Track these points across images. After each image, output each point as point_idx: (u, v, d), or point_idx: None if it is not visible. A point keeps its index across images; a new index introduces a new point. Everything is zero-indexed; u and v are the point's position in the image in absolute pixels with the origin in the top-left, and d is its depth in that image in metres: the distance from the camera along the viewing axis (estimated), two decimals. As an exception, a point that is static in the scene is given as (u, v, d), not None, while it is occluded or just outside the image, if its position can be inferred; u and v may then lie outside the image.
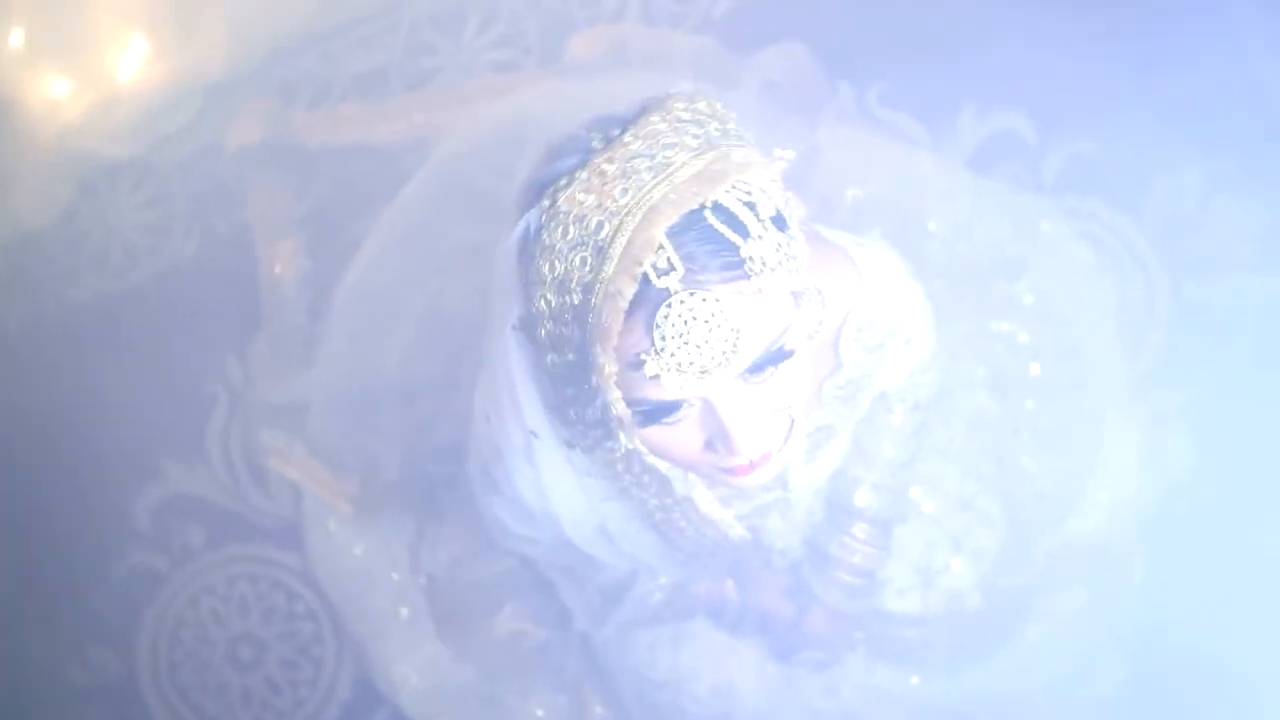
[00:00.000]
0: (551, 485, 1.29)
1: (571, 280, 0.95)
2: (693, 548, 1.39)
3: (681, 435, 1.03)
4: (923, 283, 1.46)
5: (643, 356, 0.94)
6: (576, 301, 0.95)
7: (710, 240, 0.93)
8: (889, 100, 2.08)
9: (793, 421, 1.07)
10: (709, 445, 1.04)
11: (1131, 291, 1.98)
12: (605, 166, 0.95)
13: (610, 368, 0.96)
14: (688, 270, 0.92)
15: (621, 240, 0.92)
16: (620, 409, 0.98)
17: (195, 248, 2.23)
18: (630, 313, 0.93)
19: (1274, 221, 1.99)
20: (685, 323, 0.92)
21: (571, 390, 1.05)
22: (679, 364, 0.94)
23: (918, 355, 1.44)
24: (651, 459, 1.12)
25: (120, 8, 2.12)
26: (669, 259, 0.91)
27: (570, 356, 1.01)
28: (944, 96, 2.07)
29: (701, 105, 1.00)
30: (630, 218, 0.93)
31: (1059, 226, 1.90)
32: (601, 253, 0.93)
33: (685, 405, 1.00)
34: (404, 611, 2.00)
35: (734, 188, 0.94)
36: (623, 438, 1.03)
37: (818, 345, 1.27)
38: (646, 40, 2.13)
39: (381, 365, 1.95)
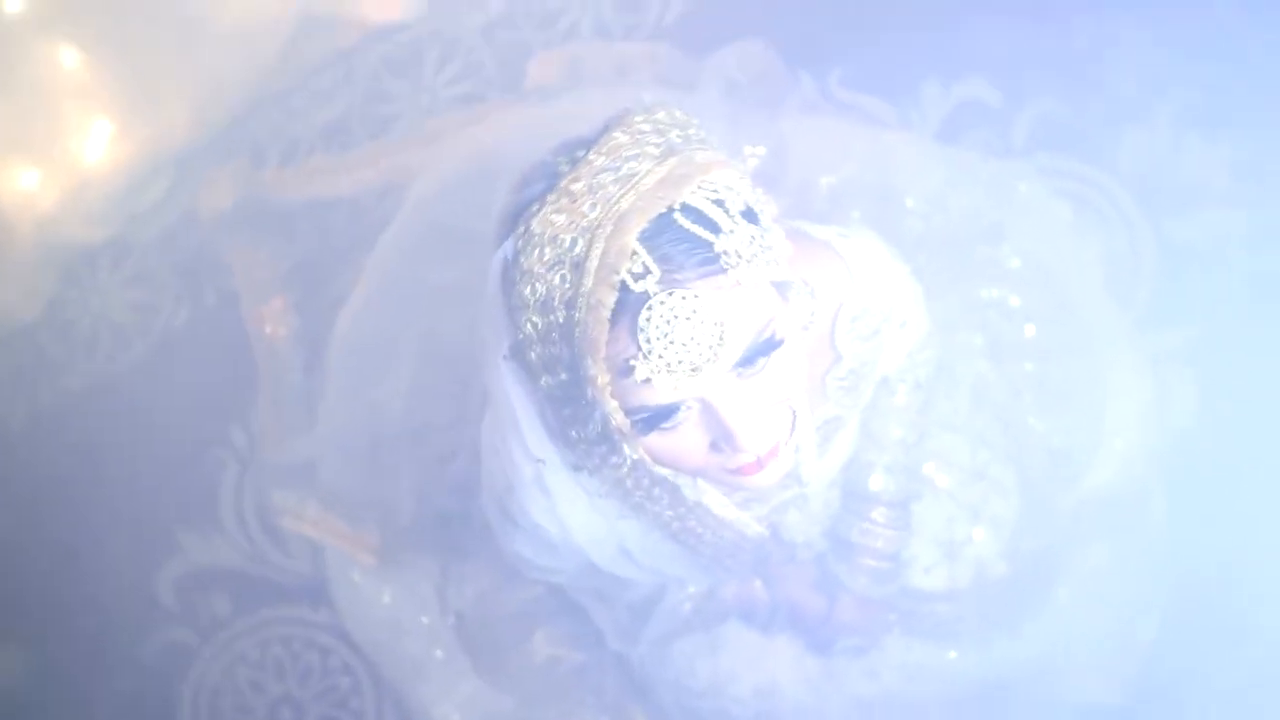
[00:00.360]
0: (567, 512, 1.29)
1: (554, 299, 0.97)
2: (713, 552, 1.39)
3: (685, 440, 1.04)
4: (908, 261, 1.47)
5: (632, 362, 0.95)
6: (561, 319, 0.97)
7: (683, 240, 0.94)
8: (851, 83, 2.09)
9: (794, 414, 1.08)
10: (714, 447, 1.04)
11: (1115, 241, 1.99)
12: (573, 186, 0.97)
13: (603, 379, 0.97)
14: (664, 271, 0.93)
15: (596, 252, 0.94)
16: (619, 419, 0.99)
17: (184, 319, 2.23)
18: (614, 321, 0.94)
19: (1244, 153, 2.00)
20: (668, 322, 0.93)
21: (569, 410, 1.06)
22: (668, 364, 0.95)
23: (914, 336, 1.44)
24: (660, 470, 1.13)
25: (79, 92, 2.12)
26: (644, 263, 0.93)
27: (563, 376, 1.01)
28: (905, 73, 2.08)
29: (661, 115, 1.02)
30: (602, 230, 0.94)
31: (1035, 187, 1.90)
32: (579, 268, 0.94)
33: (683, 408, 1.00)
34: (438, 653, 2.00)
35: (700, 188, 0.96)
36: (626, 449, 1.03)
37: (815, 340, 1.28)
38: (603, 56, 2.14)
39: (384, 411, 1.96)
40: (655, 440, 1.03)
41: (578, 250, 0.95)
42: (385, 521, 2.03)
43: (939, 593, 1.72)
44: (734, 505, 1.34)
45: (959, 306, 1.82)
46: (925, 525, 1.70)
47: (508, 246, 1.02)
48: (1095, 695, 1.78)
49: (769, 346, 1.00)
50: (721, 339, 0.95)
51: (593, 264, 0.94)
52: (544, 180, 1.00)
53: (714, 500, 1.31)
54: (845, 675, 1.72)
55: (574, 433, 1.09)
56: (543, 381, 1.04)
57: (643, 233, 0.93)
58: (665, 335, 0.94)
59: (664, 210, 0.94)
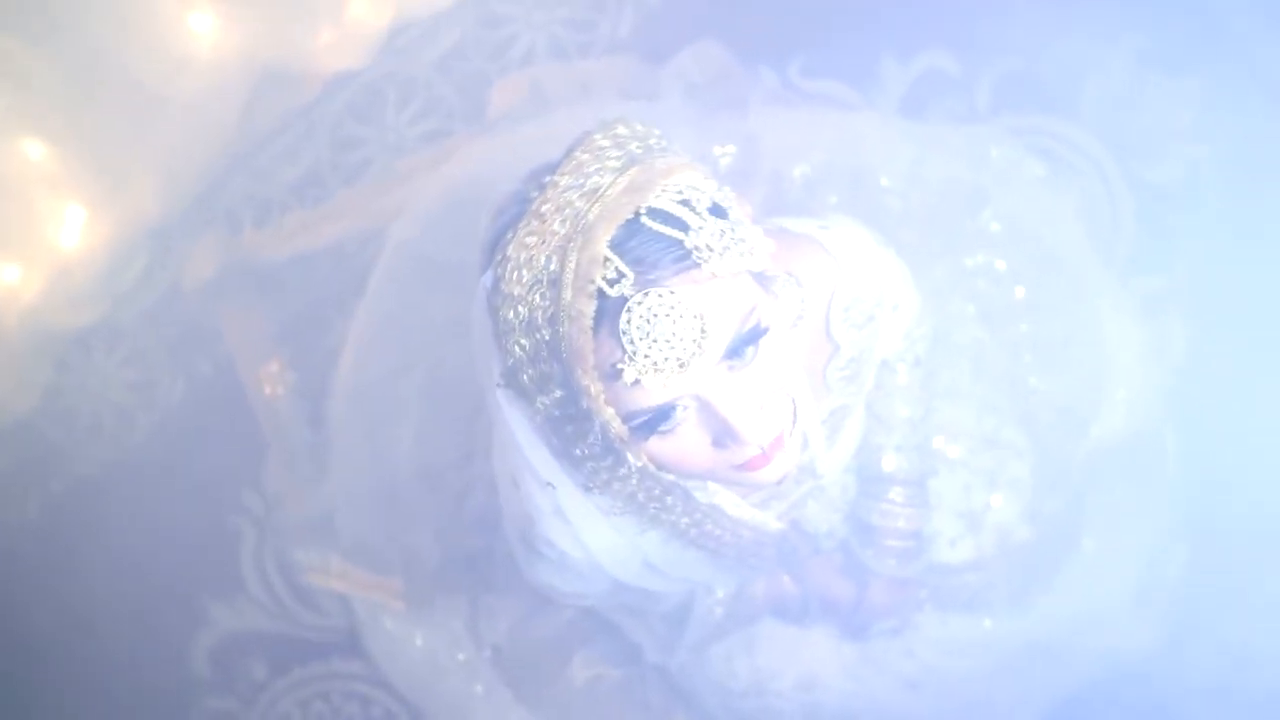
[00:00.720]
0: (589, 536, 1.29)
1: (537, 319, 0.98)
2: (735, 552, 1.39)
3: (686, 441, 1.04)
4: (891, 239, 1.48)
5: (619, 366, 0.96)
6: (547, 337, 0.98)
7: (653, 241, 0.96)
8: (810, 71, 2.10)
9: (794, 403, 1.09)
10: (717, 443, 1.05)
11: (1091, 191, 2.00)
12: (542, 209, 0.99)
13: (595, 388, 0.98)
14: (638, 274, 0.95)
15: (570, 266, 0.96)
16: (617, 427, 1.00)
17: (183, 392, 2.23)
18: (597, 330, 0.96)
19: (1204, 88, 2.02)
20: (648, 321, 0.95)
21: (570, 428, 1.07)
22: (654, 363, 0.96)
23: (907, 315, 1.45)
24: (668, 476, 1.14)
25: (47, 182, 2.12)
26: (617, 268, 0.95)
27: (558, 393, 1.03)
28: (862, 54, 2.09)
29: (620, 129, 1.04)
30: (573, 244, 0.96)
31: (1006, 149, 1.91)
32: (556, 283, 0.96)
33: (679, 408, 1.01)
34: (479, 688, 2.01)
35: (664, 191, 0.98)
36: (630, 458, 1.05)
37: (811, 334, 1.29)
38: (563, 76, 2.15)
39: (395, 455, 1.96)
40: (657, 445, 1.04)
41: (553, 267, 0.97)
42: (409, 565, 2.03)
43: (966, 563, 1.73)
44: (750, 505, 1.35)
45: (947, 277, 1.83)
46: (944, 499, 1.71)
47: (488, 275, 1.04)
48: (1136, 640, 1.79)
49: (754, 335, 1.01)
50: (704, 331, 0.96)
51: (568, 277, 0.96)
52: (516, 207, 1.02)
53: (727, 501, 1.31)
54: (884, 657, 1.73)
55: (578, 450, 1.10)
56: (539, 403, 1.05)
57: (612, 240, 0.95)
58: (647, 334, 0.95)
59: (631, 216, 0.96)
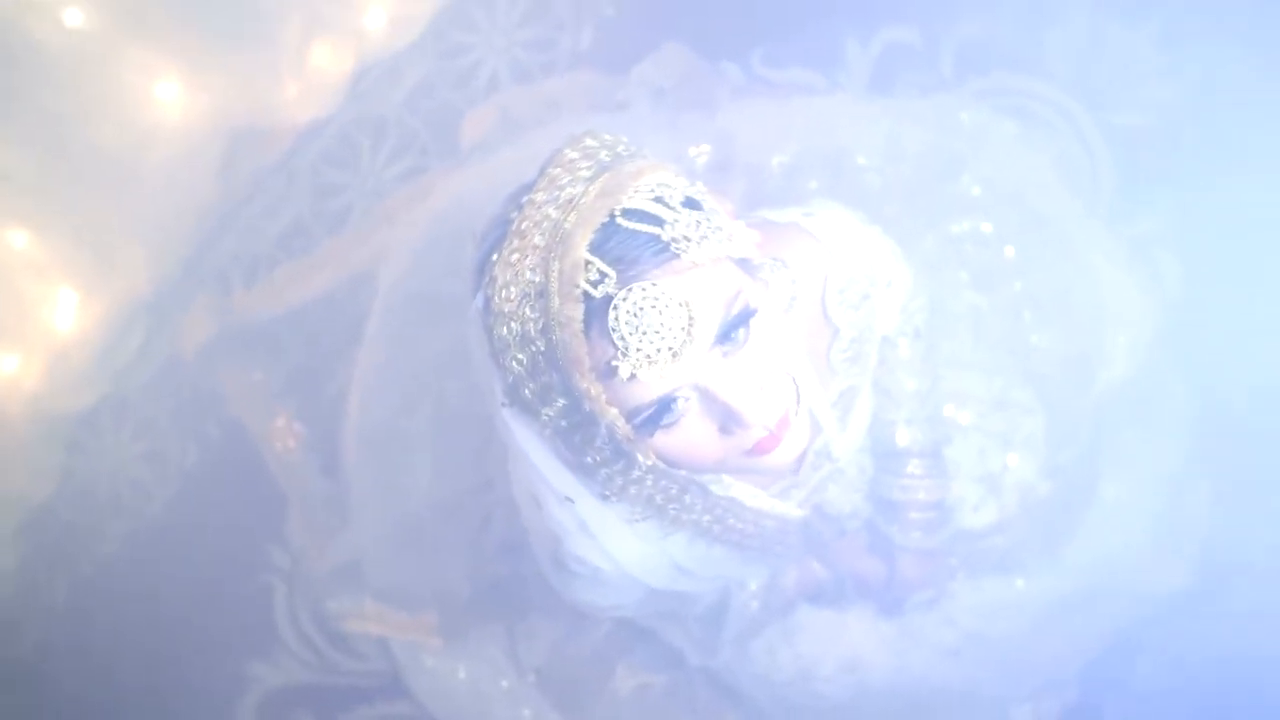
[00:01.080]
0: (615, 547, 1.30)
1: (529, 331, 1.01)
2: (760, 544, 1.40)
3: (693, 433, 1.06)
4: (875, 216, 1.49)
5: (614, 364, 0.98)
6: (542, 347, 1.01)
7: (631, 239, 0.99)
8: (774, 61, 2.11)
9: (795, 382, 1.10)
10: (725, 430, 1.06)
11: (1066, 144, 2.01)
12: (522, 226, 1.02)
13: (594, 390, 1.00)
14: (619, 272, 0.97)
15: (554, 274, 0.98)
16: (621, 426, 1.02)
17: (196, 458, 2.25)
18: (588, 332, 0.98)
19: (1166, 30, 2.02)
20: (635, 315, 0.97)
21: (578, 436, 1.09)
22: (647, 356, 0.98)
23: (901, 290, 1.46)
24: (682, 473, 1.16)
25: (36, 270, 2.13)
26: (599, 270, 0.97)
27: (560, 402, 1.05)
28: (823, 37, 2.10)
29: (589, 141, 1.07)
30: (554, 254, 0.99)
31: (976, 113, 1.92)
32: (543, 294, 0.99)
33: (680, 400, 1.03)
34: (526, 712, 2.01)
35: (636, 192, 1.01)
36: (640, 458, 1.06)
37: (809, 320, 1.30)
38: (531, 98, 2.16)
39: (413, 492, 1.97)
40: (664, 441, 1.06)
41: (538, 279, 0.99)
42: (442, 599, 2.04)
43: (991, 526, 1.74)
44: (769, 495, 1.36)
45: (936, 247, 1.84)
46: (961, 465, 1.72)
47: (478, 298, 1.06)
48: (1169, 580, 1.80)
49: (743, 317, 1.02)
50: (691, 318, 0.99)
51: (554, 286, 0.98)
52: (498, 229, 1.05)
53: (744, 493, 1.32)
54: (923, 629, 1.74)
55: (589, 458, 1.11)
56: (544, 416, 1.07)
57: (591, 244, 0.98)
58: (636, 328, 0.97)
59: (606, 219, 0.99)
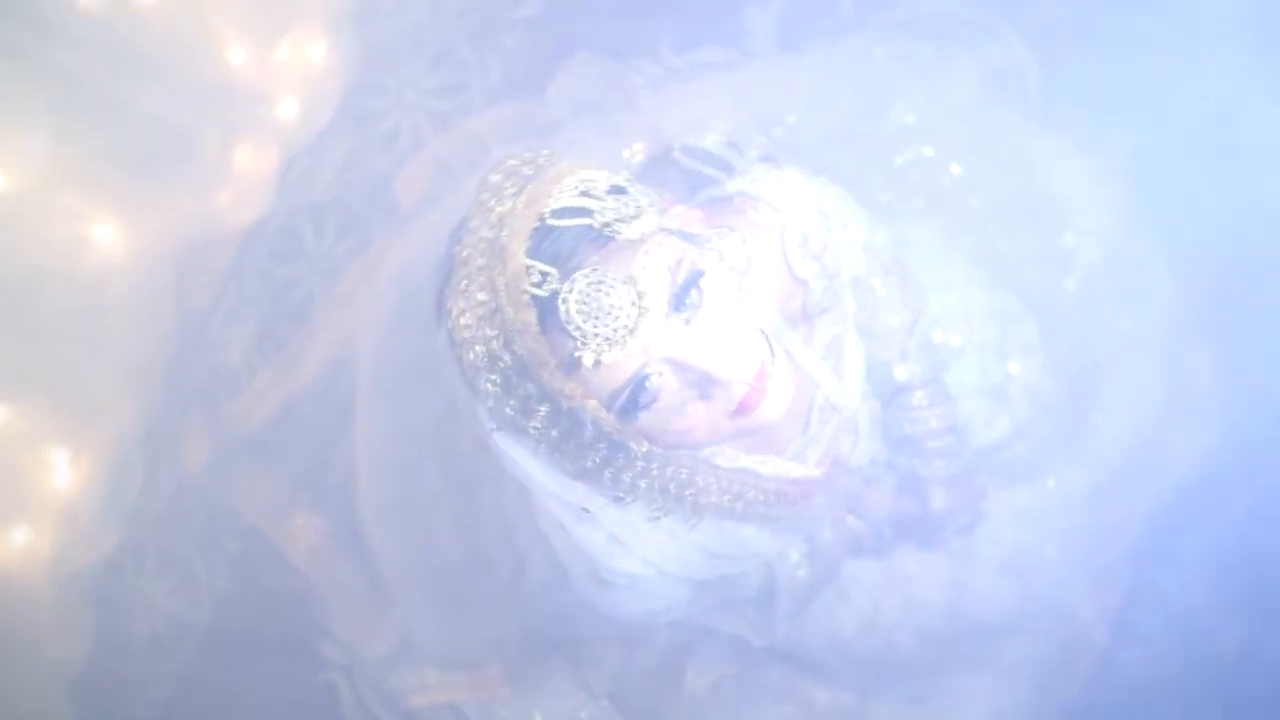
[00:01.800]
0: (646, 548, 1.31)
1: (494, 349, 1.03)
2: (789, 510, 1.41)
3: (678, 408, 1.07)
4: (817, 168, 1.50)
5: (576, 355, 1.00)
6: (510, 361, 1.03)
7: (564, 235, 1.02)
8: (681, 46, 2.13)
9: (765, 335, 1.11)
10: (706, 396, 1.07)
11: (987, 54, 2.02)
12: (464, 254, 1.05)
13: (568, 386, 1.02)
14: (560, 267, 1.00)
15: (502, 289, 1.01)
16: (605, 417, 1.04)
17: (225, 577, 2.24)
18: (546, 332, 1.01)
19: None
20: (584, 303, 1.00)
21: (572, 443, 1.10)
22: (605, 338, 1.00)
23: (859, 230, 1.47)
24: (683, 454, 1.17)
25: (21, 438, 2.13)
26: (539, 271, 1.00)
27: (542, 410, 1.06)
28: (723, 11, 2.12)
29: (510, 162, 1.10)
30: (496, 270, 1.02)
31: (889, 46, 1.94)
32: (496, 310, 1.02)
33: (653, 375, 1.04)
34: (611, 738, 2.02)
35: (562, 192, 1.04)
36: (633, 445, 1.07)
37: (779, 281, 1.31)
38: (459, 144, 2.17)
39: (444, 552, 1.97)
40: (650, 421, 1.07)
41: (487, 297, 1.02)
42: (499, 650, 2.04)
43: (1008, 436, 1.75)
44: (784, 460, 1.37)
45: (884, 183, 1.85)
46: (964, 385, 1.73)
47: (440, 334, 1.09)
48: (1194, 444, 1.81)
49: (692, 279, 1.04)
50: (640, 293, 1.01)
51: (503, 299, 1.01)
52: (445, 266, 1.08)
53: (756, 462, 1.33)
54: (971, 553, 1.75)
55: (588, 462, 1.12)
56: (531, 430, 1.09)
57: (527, 250, 1.01)
58: (588, 315, 1.00)
59: (538, 224, 1.02)
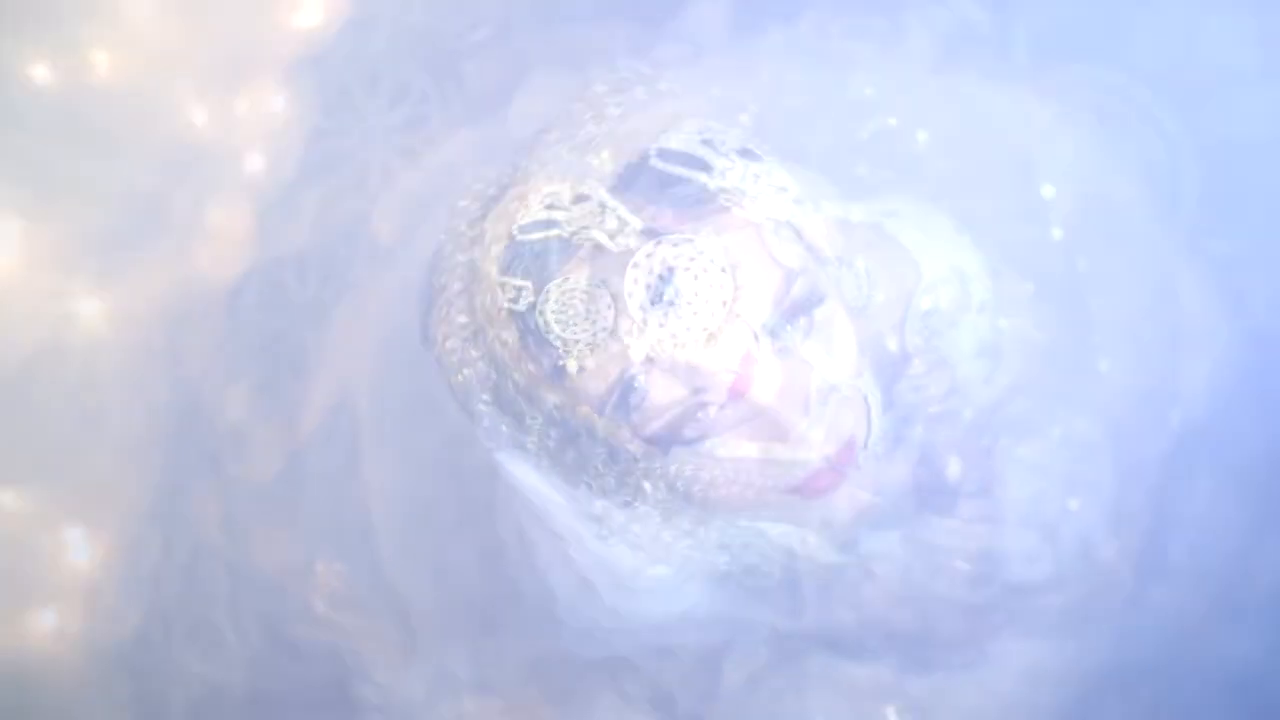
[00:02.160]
0: (666, 550, 1.32)
1: (481, 370, 1.08)
2: (801, 495, 1.40)
3: (670, 404, 1.09)
4: (790, 154, 1.50)
5: (560, 364, 1.00)
6: (497, 378, 1.07)
7: (534, 248, 1.06)
8: (638, 49, 2.10)
9: (746, 322, 1.13)
10: (695, 390, 1.10)
11: (938, 15, 1.99)
12: (441, 281, 1.12)
13: (557, 398, 1.02)
14: (533, 279, 1.04)
15: (480, 310, 1.06)
16: (598, 421, 1.05)
17: (255, 635, 2.22)
18: (528, 347, 1.05)
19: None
20: (559, 311, 1.03)
21: (570, 452, 1.12)
22: (585, 344, 1.04)
23: (834, 209, 1.47)
24: (688, 452, 1.18)
25: (35, 520, 2.14)
26: (514, 286, 1.04)
27: (536, 423, 1.06)
28: (672, 8, 2.10)
29: (476, 186, 1.16)
30: (473, 290, 1.07)
31: (841, 21, 1.94)
32: (478, 331, 1.07)
33: (639, 375, 1.06)
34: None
35: (528, 209, 1.08)
36: (630, 447, 1.08)
37: (764, 271, 1.31)
38: (431, 181, 2.15)
39: (469, 588, 1.97)
40: (644, 421, 1.08)
41: (467, 319, 1.08)
42: (535, 672, 2.04)
43: (1007, 390, 1.74)
44: (788, 445, 1.36)
45: (854, 157, 1.85)
46: (959, 348, 1.72)
47: (433, 363, 1.13)
48: (1201, 370, 1.81)
49: (668, 275, 1.06)
50: (615, 294, 1.04)
51: (482, 319, 1.06)
52: (425, 296, 1.14)
53: (760, 449, 1.30)
54: (991, 515, 1.74)
55: (589, 469, 1.14)
56: (529, 445, 1.11)
57: (499, 267, 1.06)
58: (565, 322, 1.03)
59: (507, 241, 1.06)
